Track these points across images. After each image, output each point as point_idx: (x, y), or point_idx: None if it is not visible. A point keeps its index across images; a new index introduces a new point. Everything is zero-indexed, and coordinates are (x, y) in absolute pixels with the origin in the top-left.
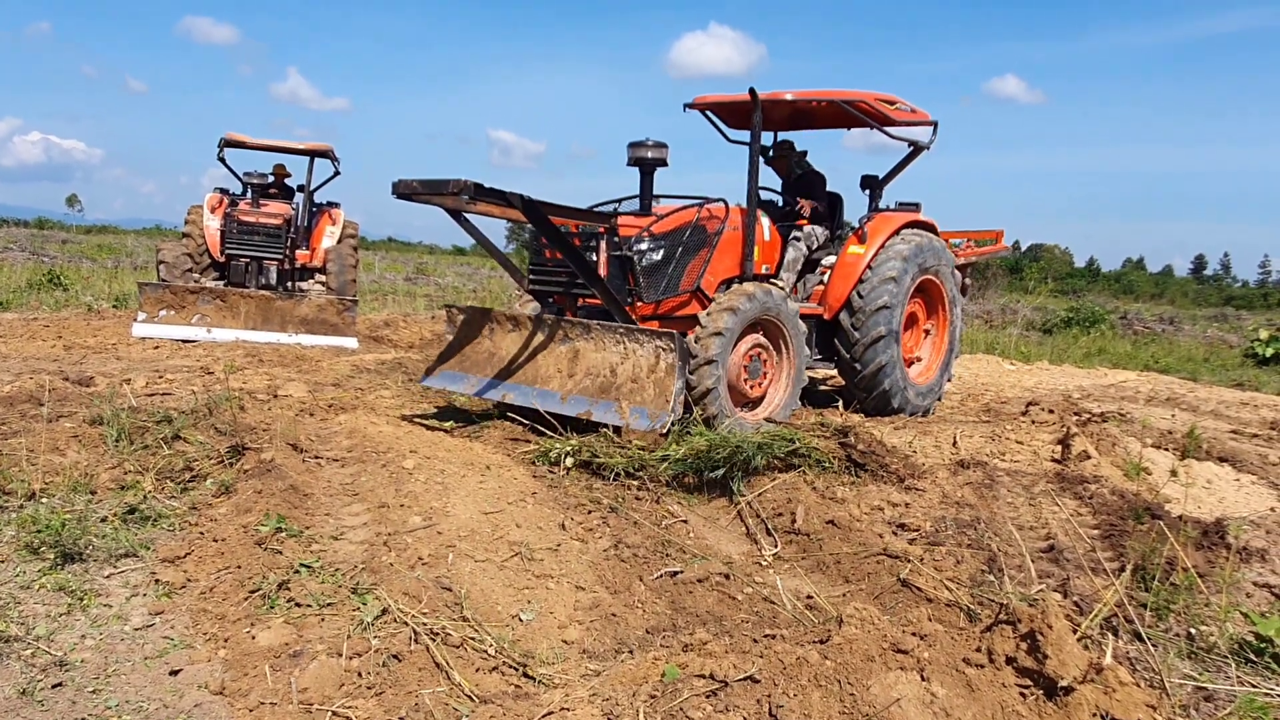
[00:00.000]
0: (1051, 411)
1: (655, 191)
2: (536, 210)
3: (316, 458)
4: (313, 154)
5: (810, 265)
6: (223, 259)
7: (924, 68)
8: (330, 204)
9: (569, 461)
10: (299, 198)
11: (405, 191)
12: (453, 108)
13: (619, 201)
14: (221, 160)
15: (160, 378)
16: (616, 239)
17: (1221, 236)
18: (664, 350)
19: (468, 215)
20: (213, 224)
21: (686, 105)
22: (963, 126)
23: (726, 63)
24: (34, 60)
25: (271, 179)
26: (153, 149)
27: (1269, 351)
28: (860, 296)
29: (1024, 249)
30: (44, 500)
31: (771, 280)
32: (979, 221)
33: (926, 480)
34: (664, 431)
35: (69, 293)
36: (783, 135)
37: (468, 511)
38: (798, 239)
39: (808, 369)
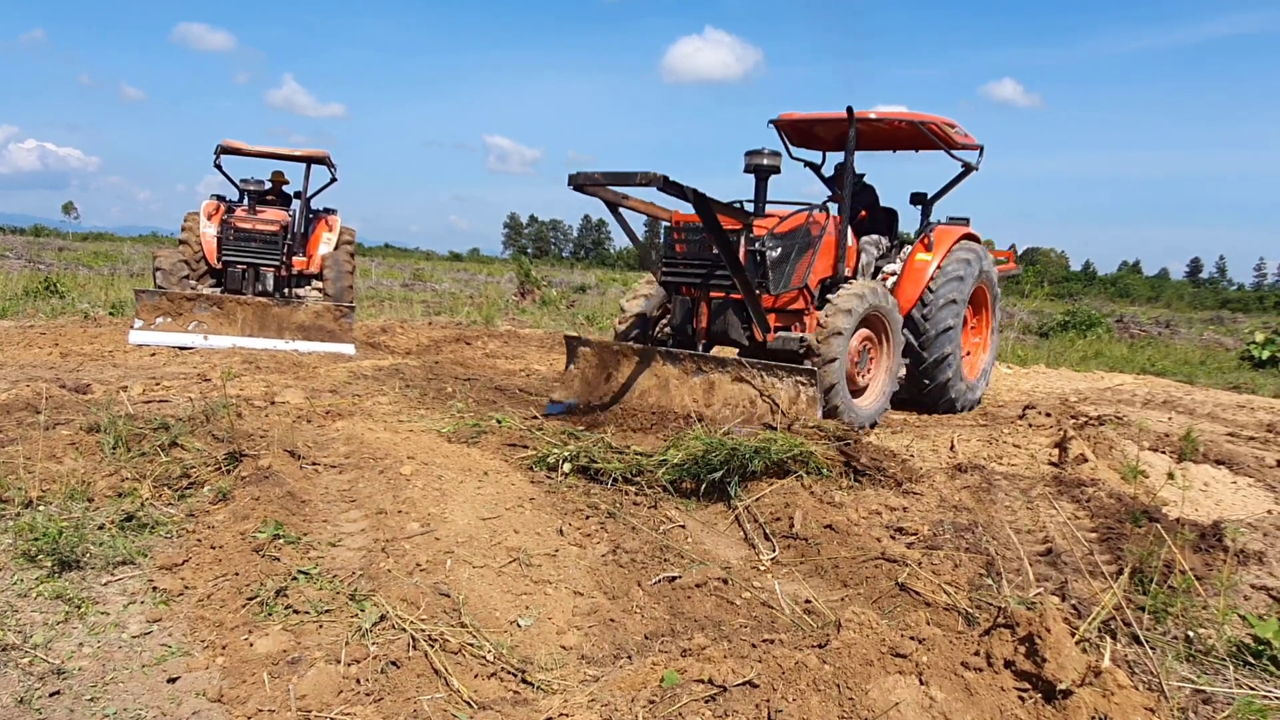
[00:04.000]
0: (1048, 415)
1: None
2: (706, 205)
3: (314, 464)
4: (309, 160)
5: (874, 272)
6: (219, 266)
7: (922, 73)
8: (327, 210)
9: (567, 467)
10: (295, 204)
11: (583, 182)
12: (449, 114)
13: (738, 204)
14: (218, 167)
15: (157, 385)
16: (751, 236)
17: (1217, 240)
18: (804, 385)
19: (623, 210)
20: (209, 231)
21: (770, 121)
22: None
23: (723, 67)
24: (29, 68)
25: (268, 186)
26: (149, 156)
27: (1265, 354)
28: (931, 292)
29: (1020, 253)
30: (41, 508)
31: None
32: (978, 227)
33: (924, 484)
34: None
35: (65, 300)
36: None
37: (465, 517)
38: (867, 247)
39: None
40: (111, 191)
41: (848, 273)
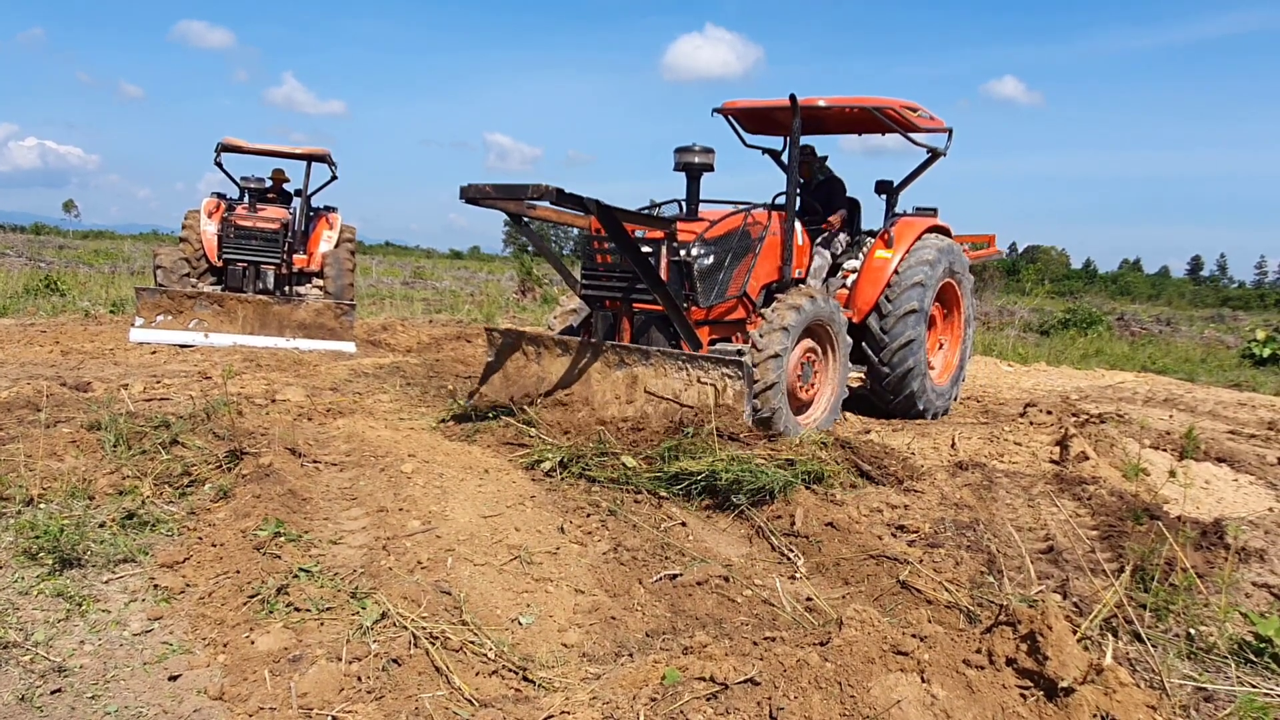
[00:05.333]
0: (1049, 413)
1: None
2: (610, 215)
3: (315, 462)
4: (309, 158)
5: (832, 269)
6: (220, 264)
7: (923, 71)
8: (327, 208)
9: (555, 468)
10: (296, 202)
11: (475, 195)
12: (449, 111)
13: (660, 205)
14: (219, 165)
15: (158, 383)
16: (675, 244)
17: (1218, 238)
18: (731, 377)
19: (529, 221)
20: (210, 229)
21: (715, 110)
22: (961, 129)
23: (724, 65)
24: (28, 66)
25: (269, 184)
26: (149, 154)
27: (1266, 352)
28: (889, 301)
29: (1021, 251)
30: (42, 506)
31: (803, 285)
32: (978, 224)
33: (925, 482)
34: None
35: (66, 298)
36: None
37: (466, 515)
38: (822, 245)
39: None
40: (111, 189)
41: (800, 275)
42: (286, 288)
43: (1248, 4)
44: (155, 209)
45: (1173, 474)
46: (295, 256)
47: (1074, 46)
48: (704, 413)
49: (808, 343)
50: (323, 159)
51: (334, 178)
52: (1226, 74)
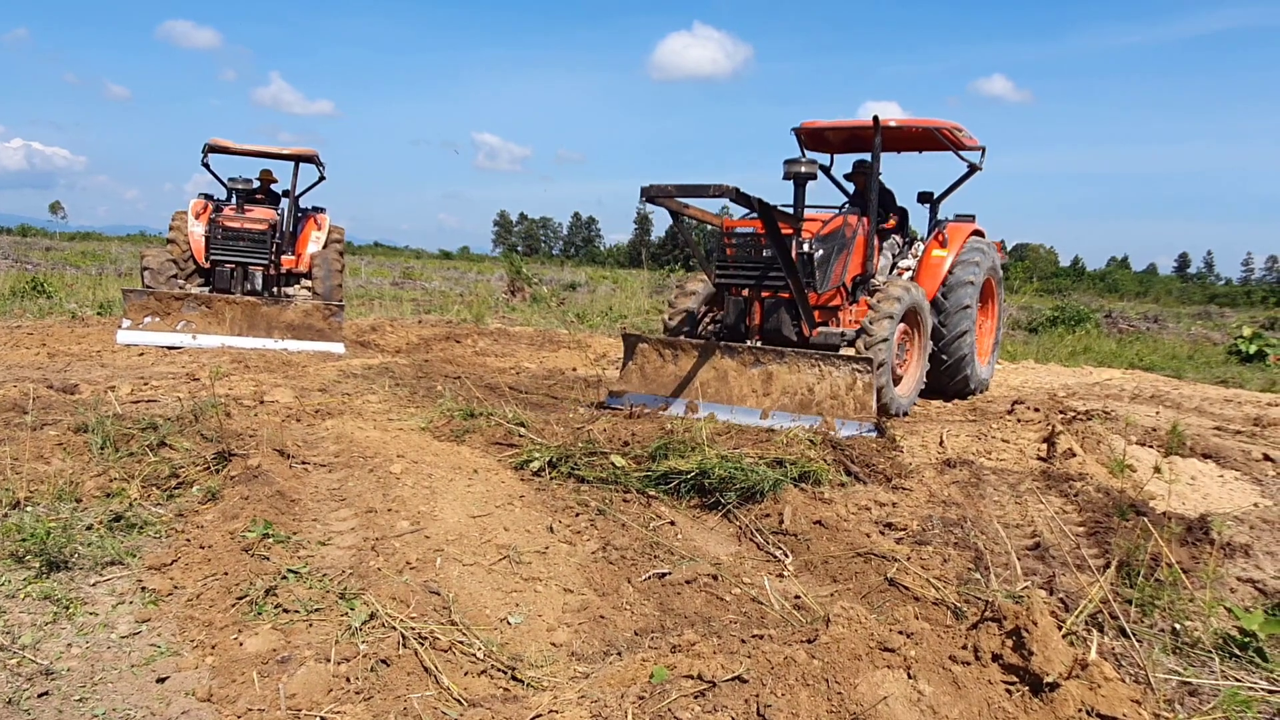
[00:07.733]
0: (1037, 410)
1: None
2: (770, 213)
3: (303, 463)
4: (297, 159)
5: (890, 268)
6: (208, 265)
7: (911, 68)
8: (316, 209)
9: (548, 472)
10: (284, 203)
11: (657, 194)
12: (437, 111)
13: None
14: (206, 166)
15: (145, 385)
16: (800, 239)
17: (1205, 235)
18: (860, 372)
19: (684, 218)
20: (197, 230)
21: (794, 129)
22: None
23: (712, 64)
24: (13, 67)
25: (256, 184)
26: (136, 155)
27: (1252, 348)
28: (945, 298)
29: (1009, 249)
30: (29, 509)
31: (885, 278)
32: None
33: (913, 480)
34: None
35: (53, 300)
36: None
37: (455, 515)
38: (885, 247)
39: None
40: (99, 191)
41: (874, 270)
42: (275, 289)
43: (1234, 1)
44: (143, 210)
45: (1158, 470)
46: (283, 257)
47: (1063, 44)
48: (835, 403)
49: (902, 325)
50: (310, 159)
51: (322, 178)
52: (1213, 71)
